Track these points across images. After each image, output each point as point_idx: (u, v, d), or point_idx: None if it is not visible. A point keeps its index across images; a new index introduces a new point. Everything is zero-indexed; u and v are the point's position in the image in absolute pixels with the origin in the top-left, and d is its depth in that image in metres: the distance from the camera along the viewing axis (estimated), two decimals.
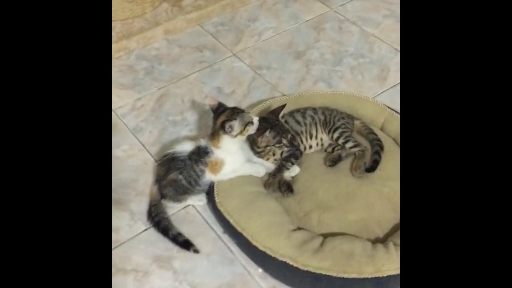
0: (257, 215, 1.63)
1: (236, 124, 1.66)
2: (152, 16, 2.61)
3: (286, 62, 2.46)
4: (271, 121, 1.80)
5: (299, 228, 1.66)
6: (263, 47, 2.54)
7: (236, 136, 1.68)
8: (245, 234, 1.60)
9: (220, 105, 1.77)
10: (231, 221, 1.64)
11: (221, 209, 1.68)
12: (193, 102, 2.26)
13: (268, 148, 1.80)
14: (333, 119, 1.93)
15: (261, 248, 1.56)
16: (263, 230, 1.59)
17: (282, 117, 1.91)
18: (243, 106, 2.23)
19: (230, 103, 2.19)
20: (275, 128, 1.77)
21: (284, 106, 1.84)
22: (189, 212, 1.85)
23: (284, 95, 2.26)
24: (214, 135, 1.72)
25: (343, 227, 1.67)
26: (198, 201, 1.85)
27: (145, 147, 2.07)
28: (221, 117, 1.72)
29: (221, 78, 2.38)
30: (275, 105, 1.96)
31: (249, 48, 2.54)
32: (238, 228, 1.62)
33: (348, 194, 1.75)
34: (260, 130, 1.74)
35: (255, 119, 1.72)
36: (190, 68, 2.44)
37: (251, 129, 1.71)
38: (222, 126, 1.67)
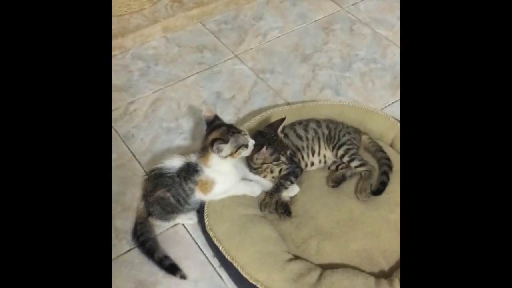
0: (249, 242, 1.48)
1: (227, 147, 1.51)
2: (151, 12, 2.45)
3: (291, 66, 2.29)
4: (269, 136, 1.64)
5: (296, 257, 1.51)
6: (267, 49, 2.38)
7: (225, 157, 1.53)
8: (235, 264, 1.45)
9: (216, 118, 1.62)
10: (220, 247, 1.50)
11: (211, 233, 1.54)
12: (190, 107, 2.11)
13: (265, 165, 1.65)
14: (338, 134, 1.76)
15: (251, 281, 1.41)
16: (255, 261, 1.44)
17: (282, 129, 1.75)
18: (242, 113, 2.08)
19: (229, 110, 2.07)
20: (273, 144, 1.62)
21: (283, 120, 1.68)
22: (178, 232, 1.70)
23: (287, 103, 2.10)
24: (203, 152, 1.57)
25: (344, 258, 1.51)
26: (187, 219, 1.71)
27: (135, 157, 1.93)
28: (214, 133, 1.56)
29: (221, 82, 2.22)
30: (275, 116, 1.79)
31: (253, 50, 2.37)
32: (228, 257, 1.47)
33: (351, 220, 1.59)
34: (256, 147, 1.58)
35: (251, 143, 1.56)
36: (188, 69, 2.28)
37: (244, 153, 1.56)
38: (212, 145, 1.51)
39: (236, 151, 1.53)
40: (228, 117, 2.03)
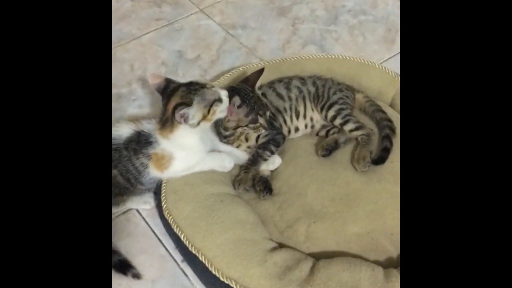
0: (219, 229, 1.14)
1: (194, 110, 1.18)
2: None
3: (266, 20, 1.95)
4: (244, 92, 1.30)
5: (280, 246, 1.18)
6: (238, 2, 2.03)
7: (198, 124, 1.20)
8: (201, 257, 1.11)
9: (169, 82, 1.25)
10: (181, 236, 1.15)
11: (169, 219, 1.19)
12: (145, 70, 1.75)
13: (240, 130, 1.30)
14: (327, 91, 1.43)
15: (223, 279, 1.07)
16: (226, 252, 1.11)
17: (259, 88, 1.41)
18: (210, 75, 1.73)
19: (193, 71, 1.73)
20: (248, 102, 1.27)
21: (261, 71, 1.34)
22: (131, 219, 1.36)
23: (263, 61, 1.74)
24: (165, 123, 1.22)
25: (342, 244, 1.19)
26: (142, 203, 1.37)
27: None
28: (173, 99, 1.21)
29: (183, 40, 1.86)
30: (250, 72, 1.43)
31: (220, 3, 2.02)
32: (192, 248, 1.13)
33: (348, 196, 1.27)
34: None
35: (224, 94, 1.23)
36: (143, 27, 1.91)
37: (220, 110, 1.23)
38: (173, 114, 1.17)
39: (208, 111, 1.19)
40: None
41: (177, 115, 1.17)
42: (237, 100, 1.24)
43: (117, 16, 1.95)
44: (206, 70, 1.75)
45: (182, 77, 1.70)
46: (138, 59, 1.79)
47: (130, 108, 1.63)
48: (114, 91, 1.68)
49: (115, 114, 1.61)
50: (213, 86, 1.25)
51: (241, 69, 1.54)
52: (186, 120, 1.18)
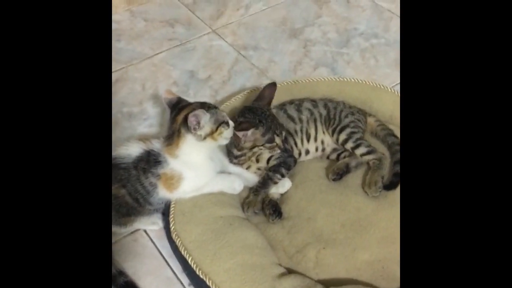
0: (227, 253, 1.12)
1: (206, 119, 1.19)
2: None
3: (278, 41, 1.95)
4: (260, 111, 1.30)
5: (289, 271, 1.15)
6: (250, 23, 2.03)
7: (204, 138, 1.19)
8: (208, 281, 1.09)
9: (181, 100, 1.27)
10: (189, 260, 1.13)
11: (177, 241, 1.17)
12: (157, 89, 1.75)
13: (255, 149, 1.30)
14: (339, 114, 1.42)
15: None
16: (235, 277, 1.09)
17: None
18: (221, 95, 1.73)
19: (204, 91, 1.72)
20: (265, 122, 1.27)
21: (274, 85, 1.33)
22: (138, 240, 1.34)
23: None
24: (172, 137, 1.23)
25: (352, 271, 1.17)
26: (150, 224, 1.36)
27: None
28: (185, 110, 1.23)
29: (195, 60, 1.87)
30: None
31: (233, 24, 2.03)
32: (199, 272, 1.11)
33: (359, 222, 1.25)
34: (244, 125, 1.24)
35: (231, 123, 1.26)
36: (156, 46, 1.92)
37: (226, 134, 1.24)
38: (185, 120, 1.16)
39: (216, 128, 1.20)
40: (203, 100, 1.68)
41: (190, 116, 1.18)
42: (255, 127, 1.24)
43: (131, 36, 1.96)
44: (217, 91, 1.75)
45: (193, 97, 1.69)
46: (150, 78, 1.79)
47: (141, 127, 1.63)
48: (125, 109, 1.68)
49: (125, 133, 1.61)
50: (223, 111, 1.27)
51: (253, 90, 1.54)
52: (198, 124, 1.18)
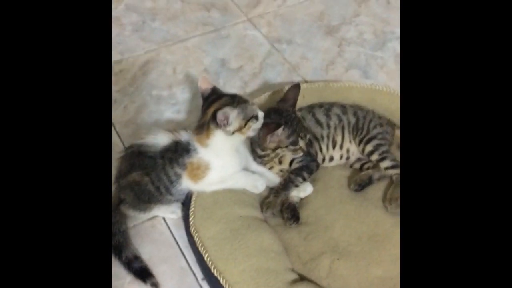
0: (243, 254, 1.14)
1: (234, 115, 1.20)
2: None
3: (313, 37, 1.92)
4: (285, 113, 1.29)
5: (302, 278, 1.17)
6: (286, 15, 2.00)
7: (233, 133, 1.21)
8: (222, 280, 1.11)
9: (214, 91, 1.27)
10: (205, 256, 1.15)
11: (196, 236, 1.19)
12: (187, 74, 1.75)
13: (278, 151, 1.30)
14: (367, 124, 1.41)
15: None
16: (248, 280, 1.11)
17: (298, 110, 1.40)
18: (250, 87, 1.73)
19: (234, 82, 1.72)
20: (291, 124, 1.27)
21: (298, 87, 1.34)
22: (156, 227, 1.37)
23: (305, 80, 1.73)
24: (202, 129, 1.23)
25: (363, 285, 1.18)
26: (169, 213, 1.38)
27: (114, 127, 1.57)
28: (215, 104, 1.23)
29: (228, 48, 1.86)
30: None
31: (269, 14, 2.00)
32: (214, 270, 1.13)
33: (376, 237, 1.25)
34: (270, 126, 1.24)
35: (261, 114, 1.24)
36: (191, 29, 1.91)
37: (254, 127, 1.24)
38: (214, 117, 1.17)
39: (245, 124, 1.20)
40: (232, 91, 1.66)
41: (219, 114, 1.18)
42: (281, 130, 1.24)
43: (166, 16, 1.96)
44: (247, 83, 1.74)
45: (222, 87, 1.66)
46: (181, 62, 1.79)
47: (168, 112, 1.64)
48: (154, 92, 1.69)
49: (152, 116, 1.62)
50: (253, 104, 1.26)
51: (282, 89, 1.52)
52: (226, 121, 1.19)
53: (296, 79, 1.75)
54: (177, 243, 1.33)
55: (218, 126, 1.21)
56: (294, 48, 1.88)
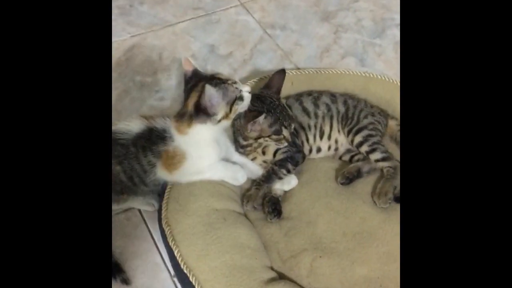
0: (216, 250, 1.06)
1: (219, 100, 1.12)
2: None
3: (308, 23, 1.83)
4: (269, 101, 1.20)
5: (280, 277, 1.09)
6: (281, 0, 1.91)
7: (219, 121, 1.13)
8: (191, 277, 1.03)
9: (195, 74, 1.18)
10: (175, 251, 1.07)
11: (166, 230, 1.11)
12: (173, 60, 1.67)
13: (261, 141, 1.21)
14: (357, 114, 1.32)
15: None
16: (220, 278, 1.02)
17: (286, 98, 1.31)
18: (239, 75, 1.65)
19: (223, 68, 1.66)
20: (273, 112, 1.18)
21: (283, 72, 1.24)
22: (131, 219, 1.30)
23: (298, 68, 1.64)
24: (183, 117, 1.14)
25: (347, 285, 1.09)
26: (145, 204, 1.30)
27: None
28: (194, 94, 1.14)
29: (218, 34, 1.77)
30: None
31: None
32: (183, 266, 1.05)
33: (362, 234, 1.16)
34: (252, 114, 1.15)
35: (245, 90, 1.16)
36: (180, 14, 1.84)
37: (242, 107, 1.16)
38: (197, 110, 1.11)
39: (230, 109, 1.12)
40: None
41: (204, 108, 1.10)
42: (263, 118, 1.16)
43: (155, 0, 1.88)
44: (236, 70, 1.66)
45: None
46: (168, 48, 1.72)
47: (151, 99, 1.56)
48: (137, 78, 1.62)
49: (134, 104, 1.55)
50: (235, 82, 1.16)
51: (260, 78, 1.44)
52: (211, 103, 1.11)
53: (288, 66, 1.66)
54: (152, 237, 1.26)
55: (201, 121, 1.13)
56: (287, 34, 1.79)
